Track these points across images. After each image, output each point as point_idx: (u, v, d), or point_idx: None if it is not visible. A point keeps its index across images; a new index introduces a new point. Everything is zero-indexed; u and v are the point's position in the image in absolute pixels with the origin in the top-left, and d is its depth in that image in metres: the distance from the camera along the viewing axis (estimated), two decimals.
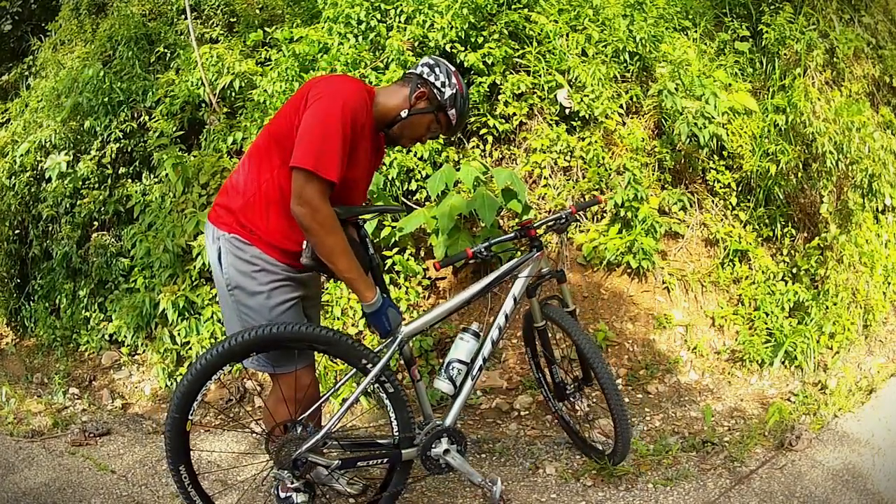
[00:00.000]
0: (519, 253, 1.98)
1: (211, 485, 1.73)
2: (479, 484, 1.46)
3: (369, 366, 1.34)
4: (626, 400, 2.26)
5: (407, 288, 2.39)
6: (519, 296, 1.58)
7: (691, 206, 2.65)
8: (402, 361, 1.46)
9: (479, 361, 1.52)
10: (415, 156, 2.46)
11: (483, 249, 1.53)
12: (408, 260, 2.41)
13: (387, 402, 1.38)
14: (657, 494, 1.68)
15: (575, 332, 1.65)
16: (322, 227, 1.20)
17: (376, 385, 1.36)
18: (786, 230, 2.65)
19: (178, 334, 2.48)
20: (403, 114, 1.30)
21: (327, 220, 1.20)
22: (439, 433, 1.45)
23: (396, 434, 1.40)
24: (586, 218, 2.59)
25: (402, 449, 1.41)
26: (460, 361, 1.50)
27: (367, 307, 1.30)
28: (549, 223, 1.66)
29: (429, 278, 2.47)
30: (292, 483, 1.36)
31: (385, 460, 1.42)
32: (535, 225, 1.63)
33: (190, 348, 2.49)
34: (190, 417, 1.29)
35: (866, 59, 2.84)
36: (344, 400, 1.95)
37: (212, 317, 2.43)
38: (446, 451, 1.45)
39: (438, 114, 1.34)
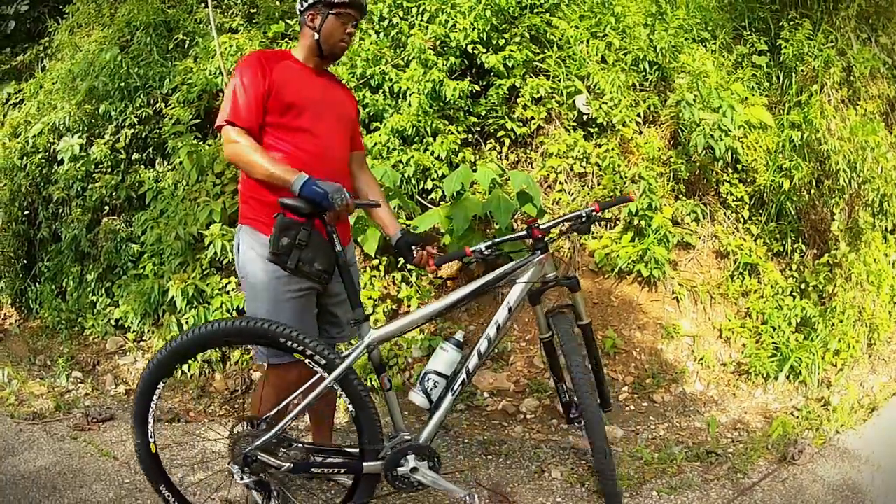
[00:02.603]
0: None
1: (215, 475, 1.73)
2: (460, 500, 1.35)
3: (335, 367, 1.26)
4: (632, 408, 2.27)
5: (418, 287, 2.39)
6: (515, 304, 1.42)
7: (704, 217, 2.66)
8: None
9: (463, 375, 1.38)
10: (432, 154, 2.47)
11: (483, 249, 1.41)
12: None
13: (350, 408, 1.30)
14: (661, 502, 1.69)
15: (571, 355, 1.44)
16: (238, 155, 1.31)
17: (340, 389, 1.28)
18: (796, 246, 2.66)
19: (186, 322, 2.48)
20: (316, 37, 1.37)
21: (239, 148, 1.31)
22: (406, 449, 1.32)
23: (362, 444, 1.31)
24: (601, 224, 2.59)
25: (364, 461, 1.32)
26: (437, 373, 1.37)
27: (295, 187, 1.25)
28: (568, 222, 1.48)
29: (440, 277, 2.48)
30: (241, 479, 1.29)
31: (343, 470, 1.33)
32: (550, 223, 1.47)
33: None
34: (152, 440, 1.28)
35: (882, 79, 2.86)
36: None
37: (221, 307, 2.43)
38: (414, 470, 1.31)
39: (331, 10, 1.36)
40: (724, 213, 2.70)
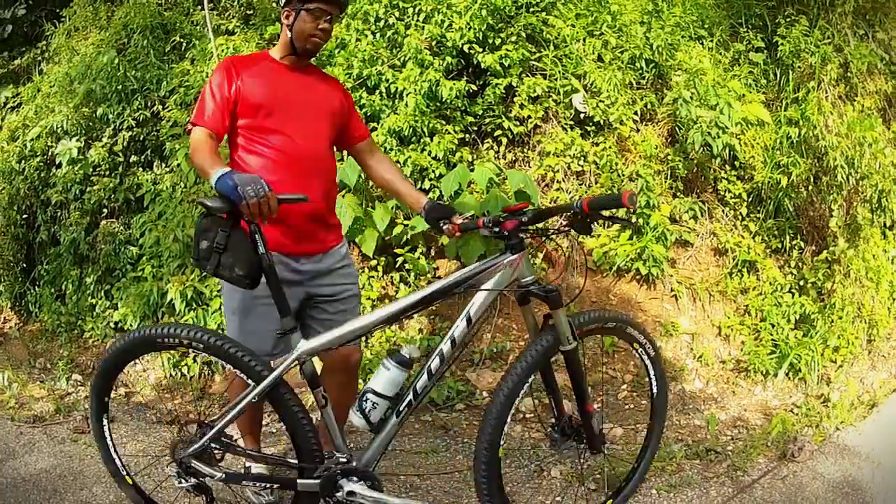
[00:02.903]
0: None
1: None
2: None
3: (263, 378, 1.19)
4: (631, 406, 2.27)
5: (416, 287, 2.40)
6: (476, 315, 1.21)
7: (702, 215, 2.66)
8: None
9: (409, 396, 1.23)
10: (429, 155, 2.47)
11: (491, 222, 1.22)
12: (418, 258, 2.42)
13: (282, 423, 1.23)
14: (660, 500, 1.69)
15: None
16: (192, 152, 1.31)
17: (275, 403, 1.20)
18: (794, 242, 2.66)
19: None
20: (289, 34, 1.37)
21: (192, 146, 1.32)
22: (343, 472, 1.23)
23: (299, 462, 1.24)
24: (600, 224, 2.58)
25: (299, 478, 1.23)
26: (376, 394, 1.22)
27: (212, 181, 1.19)
28: (557, 215, 1.23)
29: (438, 277, 2.48)
30: (178, 483, 1.26)
31: (277, 486, 1.27)
32: (524, 213, 1.20)
33: None
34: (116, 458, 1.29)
35: (879, 74, 2.85)
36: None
37: (219, 308, 2.43)
38: (351, 493, 1.22)
39: (303, 6, 1.34)
40: (723, 211, 2.70)
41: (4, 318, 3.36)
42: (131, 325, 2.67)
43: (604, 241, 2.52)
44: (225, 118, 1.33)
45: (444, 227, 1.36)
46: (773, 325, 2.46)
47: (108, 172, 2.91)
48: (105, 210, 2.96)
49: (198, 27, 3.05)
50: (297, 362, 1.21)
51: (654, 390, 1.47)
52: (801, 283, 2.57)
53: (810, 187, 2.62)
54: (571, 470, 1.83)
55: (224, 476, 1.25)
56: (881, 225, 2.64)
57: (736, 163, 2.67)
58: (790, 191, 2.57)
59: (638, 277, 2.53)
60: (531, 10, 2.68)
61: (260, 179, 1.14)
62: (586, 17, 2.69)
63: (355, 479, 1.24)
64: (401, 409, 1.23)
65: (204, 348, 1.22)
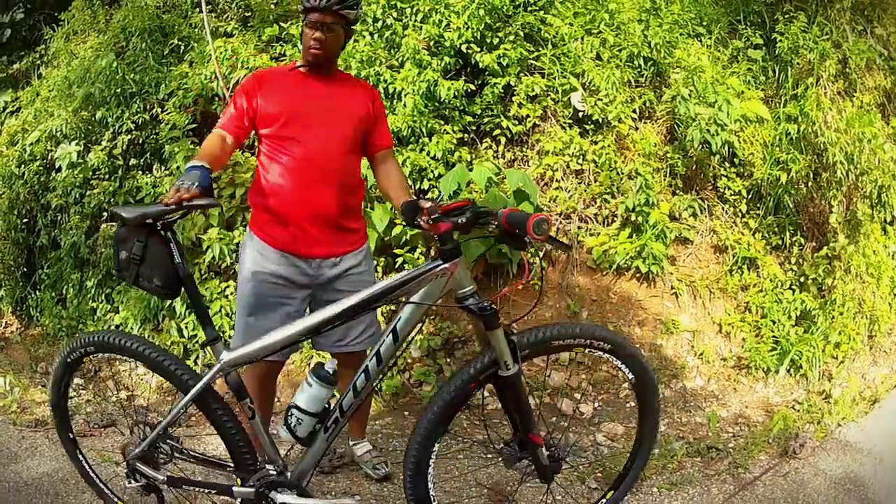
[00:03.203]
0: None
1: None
2: None
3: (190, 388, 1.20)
4: (632, 404, 2.27)
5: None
6: (403, 330, 1.13)
7: (701, 212, 2.66)
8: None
9: (336, 413, 1.18)
10: (428, 155, 2.47)
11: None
12: (417, 259, 2.42)
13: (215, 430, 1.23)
14: (661, 499, 1.69)
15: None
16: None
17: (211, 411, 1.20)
18: (794, 239, 2.66)
19: (186, 327, 2.48)
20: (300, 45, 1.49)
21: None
22: (274, 483, 1.22)
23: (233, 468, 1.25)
24: (594, 220, 2.58)
25: (234, 486, 1.25)
26: (300, 409, 1.17)
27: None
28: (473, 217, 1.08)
29: None
30: (128, 483, 1.28)
31: (215, 491, 1.28)
32: (463, 212, 1.07)
33: (197, 341, 2.49)
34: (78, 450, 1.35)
35: (878, 70, 2.85)
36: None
37: (220, 310, 2.44)
38: None
39: (304, 19, 1.42)
40: (722, 208, 2.69)
41: (6, 322, 3.37)
42: (132, 329, 2.67)
43: (603, 240, 2.52)
44: (239, 125, 1.44)
45: (420, 222, 1.18)
46: (773, 322, 2.45)
47: (107, 176, 2.91)
48: (105, 213, 2.96)
49: (196, 30, 3.05)
50: (220, 373, 1.20)
51: (641, 406, 1.33)
52: (802, 279, 2.57)
53: (810, 183, 2.62)
54: (571, 468, 1.83)
55: (166, 479, 1.26)
56: (881, 221, 2.64)
57: (735, 160, 2.66)
58: (790, 187, 2.57)
59: (638, 275, 2.53)
60: (529, 9, 2.68)
61: (199, 173, 1.19)
62: (584, 15, 2.69)
63: (288, 490, 1.23)
64: (328, 425, 1.20)
65: (133, 357, 1.23)
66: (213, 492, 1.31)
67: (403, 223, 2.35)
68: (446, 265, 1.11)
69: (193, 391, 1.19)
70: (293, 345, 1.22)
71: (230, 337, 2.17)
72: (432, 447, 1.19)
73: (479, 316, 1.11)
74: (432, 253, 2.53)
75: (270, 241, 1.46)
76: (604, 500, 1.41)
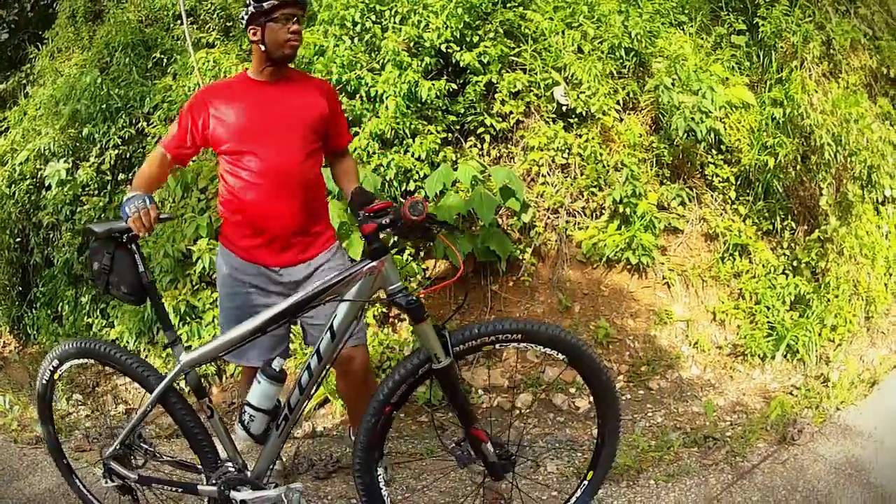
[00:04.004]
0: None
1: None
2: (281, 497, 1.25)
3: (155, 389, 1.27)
4: (628, 396, 2.26)
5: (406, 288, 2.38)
6: (340, 327, 1.18)
7: (690, 200, 2.65)
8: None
9: (285, 410, 1.24)
10: (412, 156, 2.47)
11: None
12: (407, 261, 2.42)
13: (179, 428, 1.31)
14: (658, 490, 1.68)
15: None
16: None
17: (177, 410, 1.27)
18: (785, 223, 2.64)
19: (180, 339, 2.48)
20: (263, 48, 1.40)
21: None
22: (234, 481, 1.27)
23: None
24: (582, 213, 2.57)
25: (199, 484, 1.32)
26: (252, 406, 1.23)
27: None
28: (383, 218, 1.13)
29: (428, 278, 2.47)
30: (105, 483, 1.36)
31: (181, 490, 1.34)
32: (387, 213, 1.13)
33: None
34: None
35: (863, 50, 2.83)
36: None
37: (213, 321, 2.44)
38: (243, 502, 1.26)
39: (268, 18, 1.37)
40: (711, 196, 2.68)
41: (4, 342, 3.38)
42: (127, 343, 2.68)
43: (592, 233, 2.51)
44: (181, 145, 1.45)
45: (360, 215, 1.19)
46: (768, 308, 2.44)
47: (97, 192, 2.92)
48: None
49: (178, 42, 3.06)
50: (182, 373, 1.28)
51: (596, 398, 1.32)
52: (795, 263, 2.55)
53: (798, 167, 2.60)
54: (567, 464, 1.82)
55: (137, 477, 1.35)
56: (873, 201, 2.62)
57: (722, 147, 2.65)
58: (778, 172, 2.55)
59: (629, 267, 2.52)
60: (508, 5, 2.67)
61: (143, 196, 1.25)
62: (564, 9, 2.68)
63: (248, 488, 1.28)
64: (279, 422, 1.25)
65: (99, 359, 1.34)
66: (180, 490, 1.36)
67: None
68: (373, 263, 1.17)
69: (157, 391, 1.27)
70: (244, 343, 1.25)
71: None
72: (374, 448, 1.22)
73: (406, 310, 1.17)
74: (421, 254, 2.53)
75: (238, 253, 1.47)
76: (585, 483, 1.40)
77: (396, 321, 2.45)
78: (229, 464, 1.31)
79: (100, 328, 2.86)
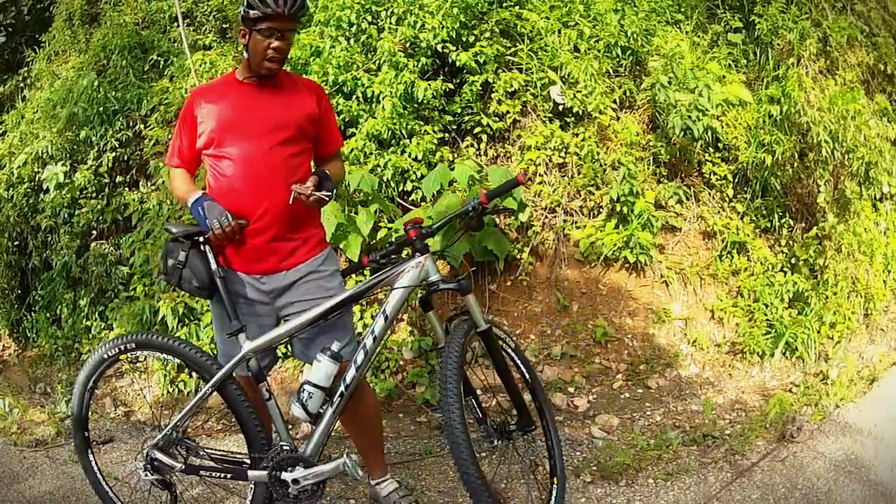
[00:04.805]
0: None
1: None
2: (341, 467, 1.34)
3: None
4: (627, 395, 2.26)
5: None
6: (392, 313, 1.36)
7: (688, 199, 2.65)
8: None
9: (341, 387, 1.34)
10: (409, 156, 2.47)
11: (379, 257, 1.40)
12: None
13: (234, 416, 1.36)
14: (657, 489, 1.68)
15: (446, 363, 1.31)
16: (172, 191, 1.57)
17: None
18: (783, 221, 2.64)
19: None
20: (245, 54, 1.40)
21: (170, 186, 1.55)
22: (288, 462, 1.33)
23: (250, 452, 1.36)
24: (580, 212, 2.58)
25: (249, 468, 1.36)
26: (313, 385, 1.33)
27: (189, 206, 1.40)
28: (457, 219, 1.41)
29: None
30: (144, 476, 1.41)
31: (230, 476, 1.38)
32: (436, 225, 1.40)
33: None
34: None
35: (860, 47, 2.83)
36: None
37: (210, 323, 2.44)
38: (295, 482, 1.32)
39: (254, 27, 1.35)
40: (709, 194, 2.68)
41: (3, 345, 3.39)
42: None
43: (590, 232, 2.51)
44: (186, 152, 1.46)
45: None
46: (766, 305, 2.43)
47: (94, 194, 2.93)
48: (94, 232, 2.97)
49: (175, 44, 3.06)
50: (243, 360, 1.36)
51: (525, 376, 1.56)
52: (793, 261, 2.55)
53: (796, 164, 2.60)
54: (566, 464, 1.82)
55: (183, 467, 1.39)
56: (871, 198, 2.62)
57: (719, 144, 2.65)
58: (776, 169, 2.55)
59: (627, 266, 2.52)
60: (504, 4, 2.67)
61: (224, 212, 1.33)
62: (560, 8, 2.68)
63: (301, 467, 1.34)
64: (334, 399, 1.35)
65: (161, 350, 1.41)
66: (229, 476, 1.39)
67: (388, 225, 2.35)
68: (421, 258, 1.39)
69: (217, 377, 1.34)
70: (302, 330, 1.38)
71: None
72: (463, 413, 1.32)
73: (456, 287, 1.39)
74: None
75: (221, 260, 1.42)
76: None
77: (395, 321, 2.45)
78: (284, 444, 1.36)
79: (99, 331, 2.86)
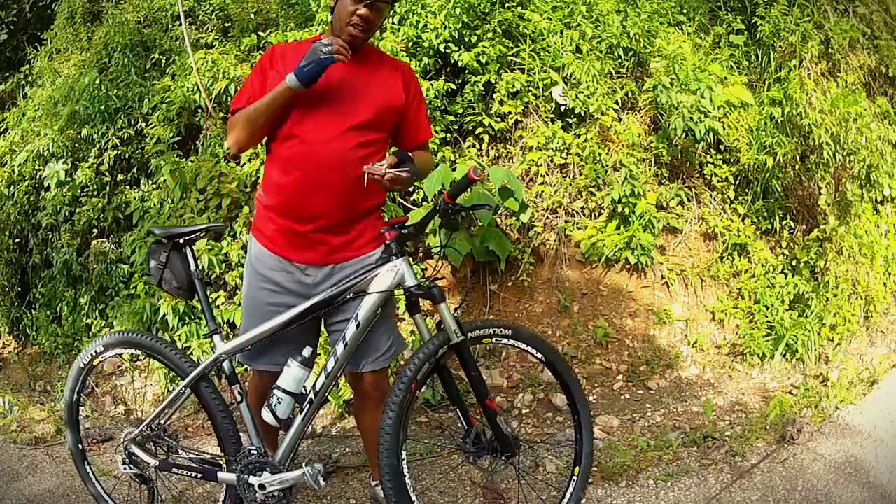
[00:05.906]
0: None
1: (213, 489, 1.74)
2: (304, 476, 1.29)
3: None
4: (627, 396, 2.26)
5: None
6: (365, 319, 1.27)
7: (689, 200, 2.65)
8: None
9: (311, 395, 1.30)
10: None
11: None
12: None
13: (207, 416, 1.39)
14: (658, 490, 1.68)
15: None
16: (233, 126, 1.32)
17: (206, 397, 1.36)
18: (784, 223, 2.64)
19: (179, 339, 2.49)
20: (329, 17, 1.30)
21: (232, 122, 1.33)
22: (256, 466, 1.31)
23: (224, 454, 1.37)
24: (581, 213, 2.58)
25: (220, 469, 1.36)
26: (282, 390, 1.28)
27: (292, 85, 1.20)
28: (430, 220, 1.31)
29: (426, 278, 2.47)
30: (123, 469, 1.44)
31: (201, 476, 1.38)
32: (405, 226, 1.29)
33: (191, 353, 2.49)
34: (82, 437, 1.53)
35: (862, 49, 2.83)
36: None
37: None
38: (262, 487, 1.30)
39: None
40: (710, 195, 2.68)
41: (3, 343, 3.38)
42: None
43: (591, 233, 2.51)
44: (255, 97, 1.28)
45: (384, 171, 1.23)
46: (767, 307, 2.44)
47: (95, 192, 2.92)
48: (95, 230, 2.97)
49: (177, 42, 3.06)
50: (217, 362, 1.36)
51: (566, 389, 1.49)
52: (794, 263, 2.56)
53: (797, 166, 2.60)
54: (567, 464, 1.82)
55: (158, 463, 1.42)
56: (872, 200, 2.62)
57: (721, 146, 2.65)
58: (777, 171, 2.55)
59: (627, 267, 2.52)
60: (507, 5, 2.67)
61: (318, 44, 1.19)
62: (562, 9, 2.68)
63: (268, 472, 1.33)
64: (304, 406, 1.32)
65: (137, 348, 1.44)
66: (199, 476, 1.41)
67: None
68: (396, 261, 1.32)
69: (191, 377, 1.35)
70: (275, 334, 1.32)
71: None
72: (399, 435, 1.26)
73: (428, 294, 1.31)
74: (420, 254, 2.52)
75: (264, 243, 1.35)
76: (574, 479, 1.46)
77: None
78: (252, 448, 1.35)
79: (99, 329, 2.86)
